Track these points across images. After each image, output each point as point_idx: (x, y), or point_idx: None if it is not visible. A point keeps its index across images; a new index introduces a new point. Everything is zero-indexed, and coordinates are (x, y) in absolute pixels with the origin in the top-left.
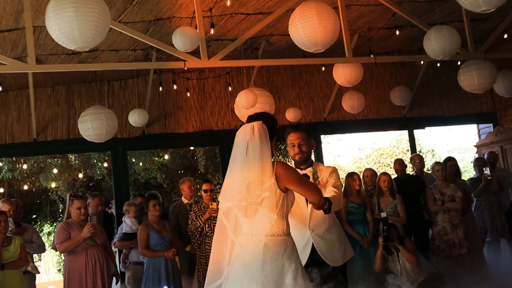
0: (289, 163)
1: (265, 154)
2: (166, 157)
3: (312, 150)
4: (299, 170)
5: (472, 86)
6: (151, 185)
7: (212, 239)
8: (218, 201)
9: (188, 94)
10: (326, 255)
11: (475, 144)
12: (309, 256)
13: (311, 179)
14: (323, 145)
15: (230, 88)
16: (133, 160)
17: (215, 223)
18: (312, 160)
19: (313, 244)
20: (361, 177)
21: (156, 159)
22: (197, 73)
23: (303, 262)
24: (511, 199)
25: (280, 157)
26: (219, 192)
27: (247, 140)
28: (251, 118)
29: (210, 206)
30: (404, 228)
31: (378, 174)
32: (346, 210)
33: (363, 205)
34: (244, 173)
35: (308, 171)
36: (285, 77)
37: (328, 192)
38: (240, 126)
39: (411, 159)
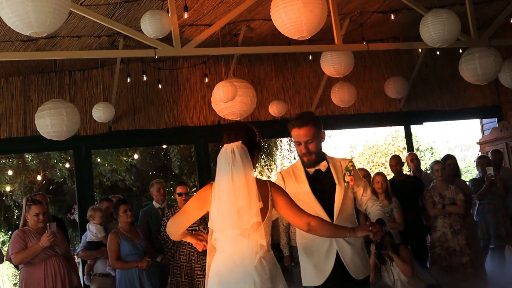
0: (283, 168)
1: (249, 178)
2: (136, 156)
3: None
4: (309, 170)
5: (475, 76)
6: (118, 188)
7: (187, 247)
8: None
9: (160, 86)
10: (349, 264)
11: (478, 141)
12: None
13: (345, 176)
14: None
15: (206, 80)
16: (98, 160)
17: (194, 227)
18: (324, 153)
19: (337, 252)
20: None
21: (124, 159)
22: (169, 62)
23: (328, 271)
24: None
25: (258, 168)
26: (194, 194)
27: (231, 165)
28: (229, 135)
29: None
30: (400, 235)
31: (372, 174)
32: None
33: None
34: (232, 199)
35: (322, 165)
36: (268, 67)
37: (373, 210)
38: (219, 122)
39: (406, 158)
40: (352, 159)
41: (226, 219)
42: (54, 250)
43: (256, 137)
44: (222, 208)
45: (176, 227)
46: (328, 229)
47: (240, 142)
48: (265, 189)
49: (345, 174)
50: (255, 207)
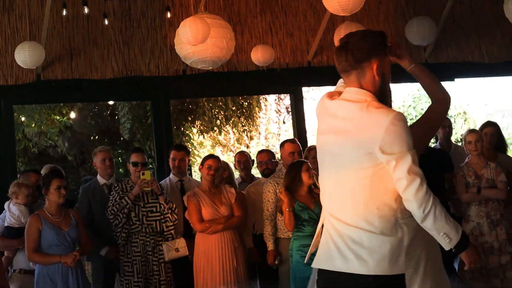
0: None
1: None
2: (72, 115)
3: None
4: None
5: None
6: (49, 156)
7: (141, 234)
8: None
9: (106, 22)
10: None
11: None
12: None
13: None
14: (307, 103)
15: (169, 14)
16: (23, 119)
17: (151, 207)
18: None
19: None
20: None
21: (57, 118)
22: None
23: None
24: None
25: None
26: (152, 166)
27: None
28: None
29: (141, 177)
30: None
31: None
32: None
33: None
34: None
35: None
36: (251, 0)
37: None
38: (184, 72)
39: None
40: None
41: None
42: None
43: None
44: None
45: None
46: None
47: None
48: None
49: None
50: None
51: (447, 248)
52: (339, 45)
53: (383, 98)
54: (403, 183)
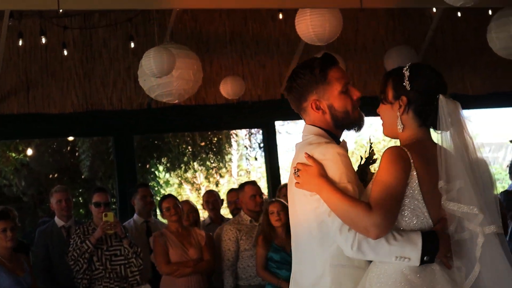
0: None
1: None
2: (29, 152)
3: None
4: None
5: (509, 49)
6: (4, 196)
7: (108, 280)
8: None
9: (66, 52)
10: None
11: None
12: None
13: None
14: (279, 137)
15: (132, 44)
16: None
17: (114, 250)
18: None
19: None
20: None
21: (13, 155)
22: (80, 18)
23: None
24: None
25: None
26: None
27: None
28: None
29: (104, 219)
30: None
31: None
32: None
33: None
34: None
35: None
36: (221, 28)
37: None
38: (149, 106)
39: None
40: None
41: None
42: None
43: None
44: None
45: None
46: None
47: None
48: None
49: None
50: None
51: (417, 264)
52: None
53: (348, 126)
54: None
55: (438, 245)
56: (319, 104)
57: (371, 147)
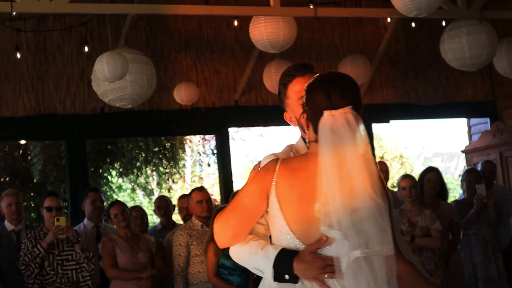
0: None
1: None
2: None
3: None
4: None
5: (461, 60)
6: None
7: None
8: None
9: (19, 55)
10: None
11: (464, 148)
12: None
13: None
14: (233, 144)
15: (86, 48)
16: None
17: (66, 255)
18: None
19: None
20: None
21: None
22: (34, 21)
23: None
24: None
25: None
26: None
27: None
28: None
29: (56, 223)
30: None
31: None
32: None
33: None
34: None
35: None
36: (176, 34)
37: None
38: (102, 110)
39: None
40: None
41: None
42: None
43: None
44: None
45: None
46: None
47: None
48: None
49: None
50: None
51: (271, 279)
52: None
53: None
54: None
55: (291, 263)
56: (289, 115)
57: None
